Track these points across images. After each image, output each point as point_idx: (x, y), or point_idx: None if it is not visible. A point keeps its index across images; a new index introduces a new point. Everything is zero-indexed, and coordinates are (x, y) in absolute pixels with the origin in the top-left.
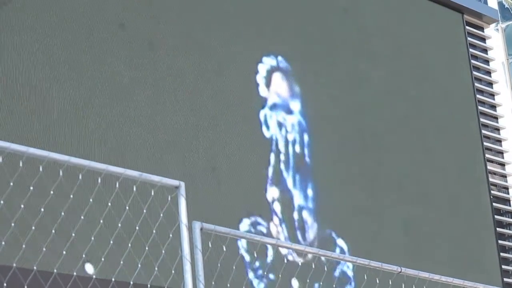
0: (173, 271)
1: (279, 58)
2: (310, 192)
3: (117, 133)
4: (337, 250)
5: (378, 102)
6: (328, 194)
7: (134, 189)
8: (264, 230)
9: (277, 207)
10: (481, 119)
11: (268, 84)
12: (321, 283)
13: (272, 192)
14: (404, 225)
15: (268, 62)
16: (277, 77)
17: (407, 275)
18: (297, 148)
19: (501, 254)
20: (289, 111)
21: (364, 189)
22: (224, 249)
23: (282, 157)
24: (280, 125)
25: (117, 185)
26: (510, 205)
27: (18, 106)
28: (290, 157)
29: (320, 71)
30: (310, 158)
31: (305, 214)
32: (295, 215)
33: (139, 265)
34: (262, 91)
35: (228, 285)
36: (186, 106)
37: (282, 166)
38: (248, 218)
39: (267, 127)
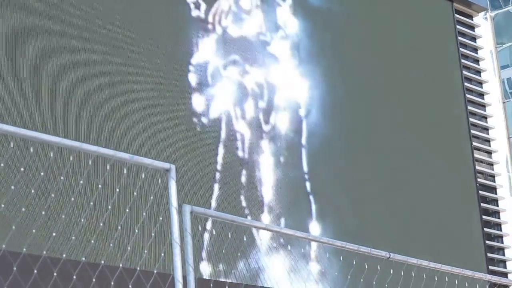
0: (162, 254)
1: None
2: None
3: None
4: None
5: (367, 90)
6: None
7: (125, 171)
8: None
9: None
10: (469, 107)
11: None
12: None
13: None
14: (393, 213)
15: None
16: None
17: (395, 261)
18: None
19: (487, 242)
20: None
21: (354, 182)
22: (214, 232)
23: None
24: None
25: (107, 167)
26: (496, 193)
27: None
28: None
29: (310, 61)
30: (306, 143)
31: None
32: None
33: (129, 248)
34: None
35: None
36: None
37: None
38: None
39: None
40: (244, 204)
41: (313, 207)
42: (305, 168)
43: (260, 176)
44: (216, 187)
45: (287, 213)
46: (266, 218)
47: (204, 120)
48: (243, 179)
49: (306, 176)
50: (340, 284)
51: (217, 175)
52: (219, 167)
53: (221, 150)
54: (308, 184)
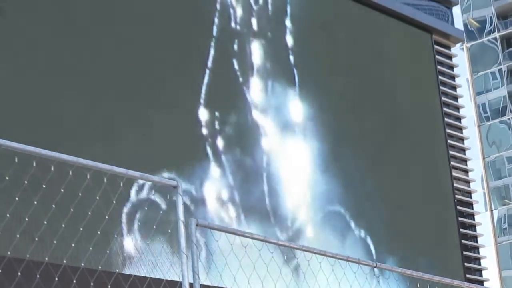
0: (170, 264)
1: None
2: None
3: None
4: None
5: (354, 113)
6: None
7: (136, 187)
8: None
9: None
10: (447, 130)
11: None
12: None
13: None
14: (377, 225)
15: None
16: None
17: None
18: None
19: (464, 252)
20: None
21: (344, 198)
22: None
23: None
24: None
25: (121, 184)
26: (472, 208)
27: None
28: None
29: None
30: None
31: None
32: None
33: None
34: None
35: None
36: None
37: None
38: None
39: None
40: None
41: None
42: None
43: None
44: None
45: None
46: None
47: None
48: None
49: None
50: None
51: None
52: None
53: None
54: None
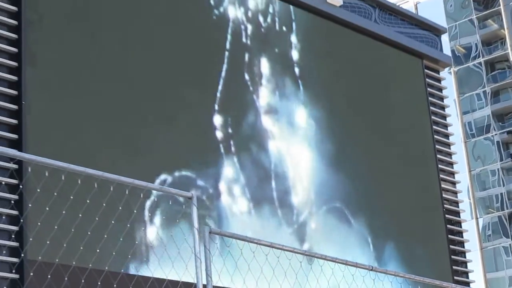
0: (186, 268)
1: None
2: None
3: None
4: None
5: (351, 129)
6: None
7: (155, 199)
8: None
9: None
10: (437, 146)
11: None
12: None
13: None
14: (373, 230)
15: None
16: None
17: (377, 272)
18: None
19: (452, 257)
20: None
21: (337, 208)
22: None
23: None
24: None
25: (141, 196)
26: (459, 217)
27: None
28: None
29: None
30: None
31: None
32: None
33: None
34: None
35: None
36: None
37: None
38: None
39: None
40: None
41: None
42: None
43: None
44: None
45: None
46: None
47: None
48: None
49: None
50: None
51: None
52: None
53: None
54: None
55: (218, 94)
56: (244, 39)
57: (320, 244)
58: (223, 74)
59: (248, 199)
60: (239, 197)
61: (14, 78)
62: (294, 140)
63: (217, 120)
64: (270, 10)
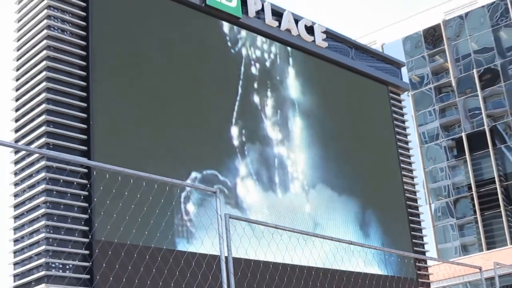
0: (212, 244)
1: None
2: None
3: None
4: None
5: (335, 137)
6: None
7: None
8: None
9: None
10: (399, 150)
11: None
12: None
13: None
14: (348, 220)
15: None
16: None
17: (355, 245)
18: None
19: (412, 232)
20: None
21: (323, 213)
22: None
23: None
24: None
25: (178, 191)
26: (417, 202)
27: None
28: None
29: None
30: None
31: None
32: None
33: (189, 239)
34: None
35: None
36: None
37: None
38: None
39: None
40: None
41: None
42: None
43: None
44: None
45: None
46: None
47: None
48: None
49: None
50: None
51: None
52: None
53: None
54: None
55: (235, 113)
56: (253, 71)
57: (317, 221)
58: (238, 97)
59: (258, 190)
60: (251, 189)
61: (84, 104)
62: (291, 145)
63: (234, 131)
64: (273, 49)
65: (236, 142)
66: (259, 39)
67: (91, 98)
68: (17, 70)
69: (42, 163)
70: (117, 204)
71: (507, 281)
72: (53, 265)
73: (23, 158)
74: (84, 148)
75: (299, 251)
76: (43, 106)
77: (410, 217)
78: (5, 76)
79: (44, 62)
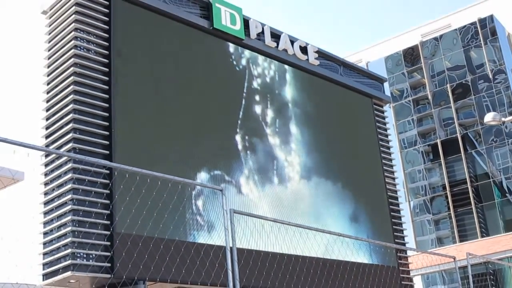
0: (218, 236)
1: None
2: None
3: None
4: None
5: (328, 143)
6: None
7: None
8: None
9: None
10: (382, 154)
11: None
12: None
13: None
14: (338, 217)
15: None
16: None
17: (344, 237)
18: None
19: (393, 226)
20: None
21: (312, 217)
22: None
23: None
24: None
25: (189, 189)
26: (398, 200)
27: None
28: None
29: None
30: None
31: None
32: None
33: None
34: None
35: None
36: None
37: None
38: None
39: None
40: None
41: None
42: None
43: None
44: None
45: None
46: None
47: None
48: None
49: None
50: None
51: None
52: None
53: None
54: None
55: (239, 121)
56: (255, 85)
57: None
58: (242, 107)
59: (259, 189)
60: (252, 187)
61: (106, 114)
62: (288, 149)
63: (238, 138)
64: (272, 66)
65: (240, 147)
66: (260, 58)
67: (112, 109)
68: (48, 84)
69: (69, 165)
70: (135, 201)
71: (478, 269)
72: (78, 255)
73: (52, 161)
74: (106, 152)
75: (296, 242)
76: (71, 115)
77: (392, 213)
78: (36, 89)
79: (71, 77)
